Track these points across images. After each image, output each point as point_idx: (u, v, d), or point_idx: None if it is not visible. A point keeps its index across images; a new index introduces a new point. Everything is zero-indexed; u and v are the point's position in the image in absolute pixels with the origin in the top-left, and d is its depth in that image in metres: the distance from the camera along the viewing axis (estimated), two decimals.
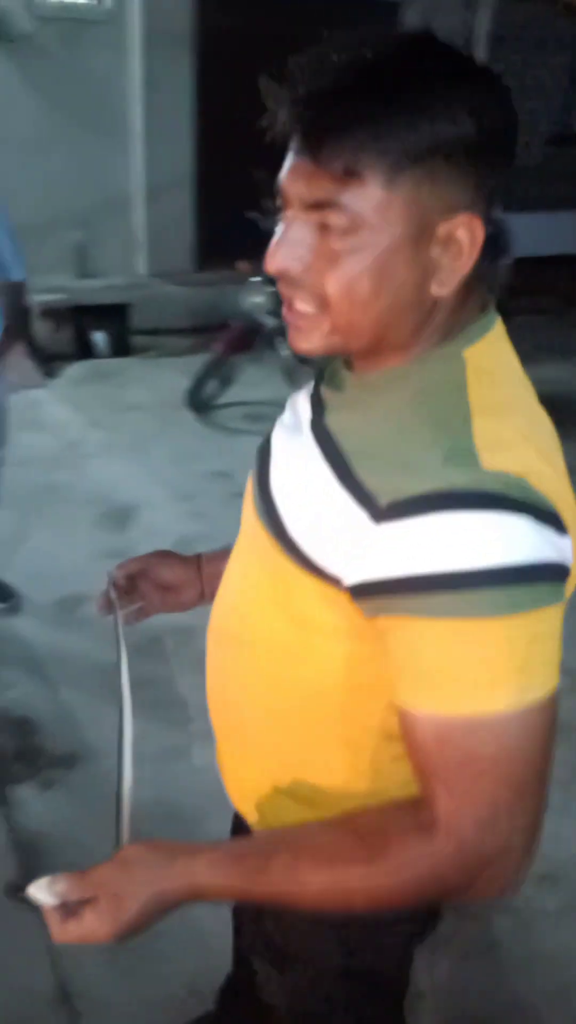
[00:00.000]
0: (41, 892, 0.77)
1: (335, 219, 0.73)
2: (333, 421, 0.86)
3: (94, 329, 5.82)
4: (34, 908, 0.81)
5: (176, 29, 5.75)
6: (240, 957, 1.39)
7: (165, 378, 5.43)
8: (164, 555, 1.19)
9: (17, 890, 2.02)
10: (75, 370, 5.60)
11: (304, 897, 0.80)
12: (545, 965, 1.92)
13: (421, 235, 0.74)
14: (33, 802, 2.27)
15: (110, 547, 3.41)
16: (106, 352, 5.84)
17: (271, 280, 4.30)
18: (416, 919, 1.02)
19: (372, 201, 0.72)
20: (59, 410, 5.00)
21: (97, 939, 0.79)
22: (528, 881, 2.09)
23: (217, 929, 1.77)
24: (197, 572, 1.17)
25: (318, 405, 0.90)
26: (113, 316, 5.89)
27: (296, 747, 0.93)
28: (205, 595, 1.16)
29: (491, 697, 0.72)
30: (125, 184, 5.99)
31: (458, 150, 0.72)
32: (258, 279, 4.43)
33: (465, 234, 0.75)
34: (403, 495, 0.73)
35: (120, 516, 3.73)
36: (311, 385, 0.96)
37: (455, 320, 0.81)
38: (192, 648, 2.90)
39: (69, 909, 0.78)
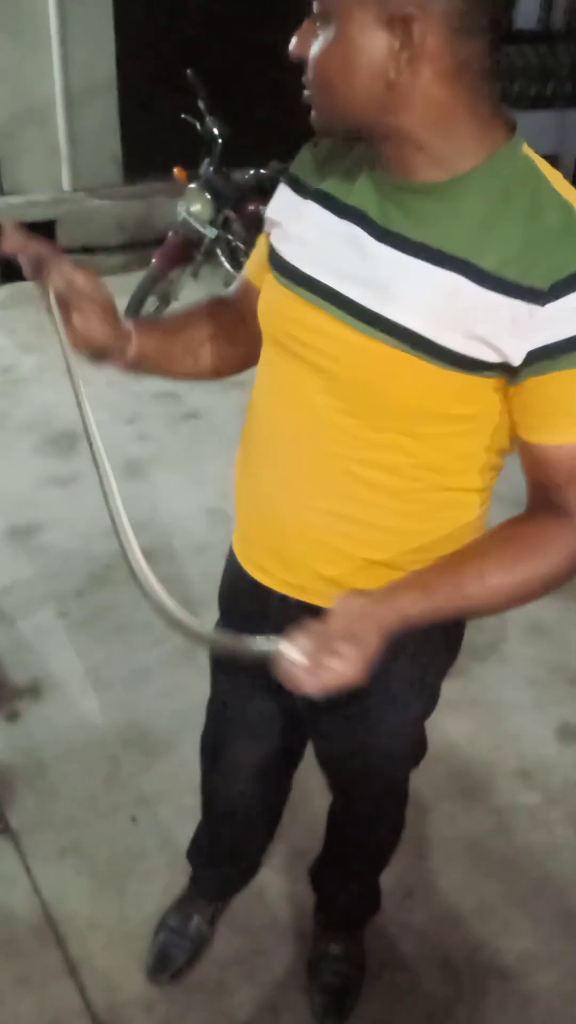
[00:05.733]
0: (292, 652, 0.82)
1: (316, 6, 0.86)
2: (420, 233, 0.91)
3: None
4: None
5: None
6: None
7: None
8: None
9: None
10: (0, 293, 5.34)
11: (493, 600, 0.97)
12: (521, 863, 1.96)
13: (372, 22, 0.82)
14: None
15: (55, 473, 3.30)
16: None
17: (211, 186, 4.05)
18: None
19: None
20: None
21: (347, 681, 0.87)
22: (506, 778, 2.16)
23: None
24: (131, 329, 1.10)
25: (369, 221, 0.95)
26: (38, 234, 5.54)
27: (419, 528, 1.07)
28: (132, 357, 1.10)
29: None
30: (43, 92, 5.60)
31: None
32: (194, 185, 4.18)
33: (408, 24, 0.81)
34: (563, 274, 0.85)
35: (62, 442, 3.61)
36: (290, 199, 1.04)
37: (486, 131, 0.89)
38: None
39: (317, 662, 0.85)
